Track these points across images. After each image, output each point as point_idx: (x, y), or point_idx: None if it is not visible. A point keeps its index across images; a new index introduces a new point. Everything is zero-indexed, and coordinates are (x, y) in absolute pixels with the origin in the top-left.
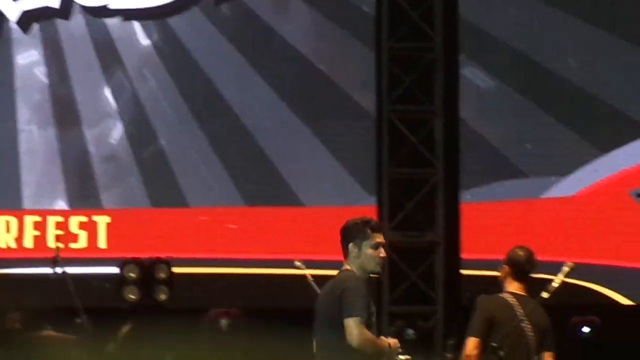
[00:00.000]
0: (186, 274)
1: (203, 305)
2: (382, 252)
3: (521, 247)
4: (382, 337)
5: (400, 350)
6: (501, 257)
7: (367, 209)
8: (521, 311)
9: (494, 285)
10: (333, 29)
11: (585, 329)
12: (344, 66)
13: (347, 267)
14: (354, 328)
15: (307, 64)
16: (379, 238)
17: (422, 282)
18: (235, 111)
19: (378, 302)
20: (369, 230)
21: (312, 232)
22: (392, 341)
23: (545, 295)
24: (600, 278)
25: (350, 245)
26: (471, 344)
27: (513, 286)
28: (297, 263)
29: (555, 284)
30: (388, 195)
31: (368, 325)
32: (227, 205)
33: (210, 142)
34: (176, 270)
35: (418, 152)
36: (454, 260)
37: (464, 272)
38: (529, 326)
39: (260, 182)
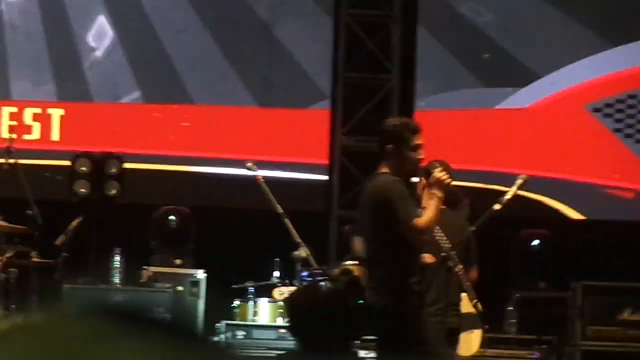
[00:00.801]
0: (137, 170)
1: (153, 201)
2: (420, 154)
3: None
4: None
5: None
6: (453, 166)
7: (321, 111)
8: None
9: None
10: None
11: (535, 242)
12: None
13: (384, 169)
14: (415, 230)
15: None
16: (418, 140)
17: None
18: None
19: (328, 206)
20: (407, 132)
21: (267, 132)
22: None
23: (497, 207)
24: (551, 191)
25: (389, 147)
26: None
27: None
28: (249, 164)
29: (508, 196)
30: (342, 99)
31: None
32: (181, 102)
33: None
34: (127, 165)
35: (374, 57)
36: None
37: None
38: (444, 238)
39: (214, 80)
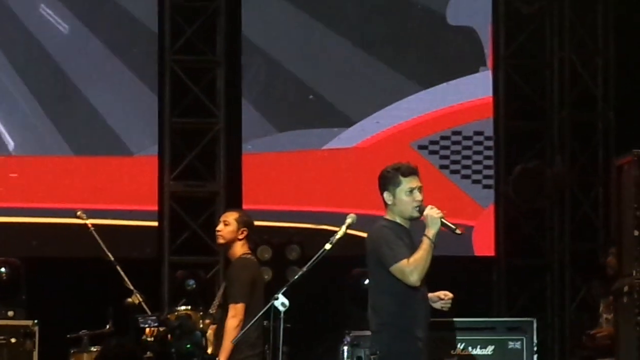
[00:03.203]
0: None
1: None
2: (417, 196)
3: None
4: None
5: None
6: (283, 207)
7: (148, 158)
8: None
9: (276, 233)
10: None
11: (367, 281)
12: (128, 16)
13: (386, 216)
14: (401, 272)
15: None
16: (412, 182)
17: (204, 232)
18: None
19: (159, 252)
20: (399, 176)
21: (93, 181)
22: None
23: (328, 246)
24: None
25: (385, 194)
26: (243, 311)
27: (246, 247)
28: (79, 213)
29: (338, 236)
30: (169, 145)
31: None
32: (3, 154)
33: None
34: None
35: (200, 102)
36: None
37: None
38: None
39: (36, 130)
